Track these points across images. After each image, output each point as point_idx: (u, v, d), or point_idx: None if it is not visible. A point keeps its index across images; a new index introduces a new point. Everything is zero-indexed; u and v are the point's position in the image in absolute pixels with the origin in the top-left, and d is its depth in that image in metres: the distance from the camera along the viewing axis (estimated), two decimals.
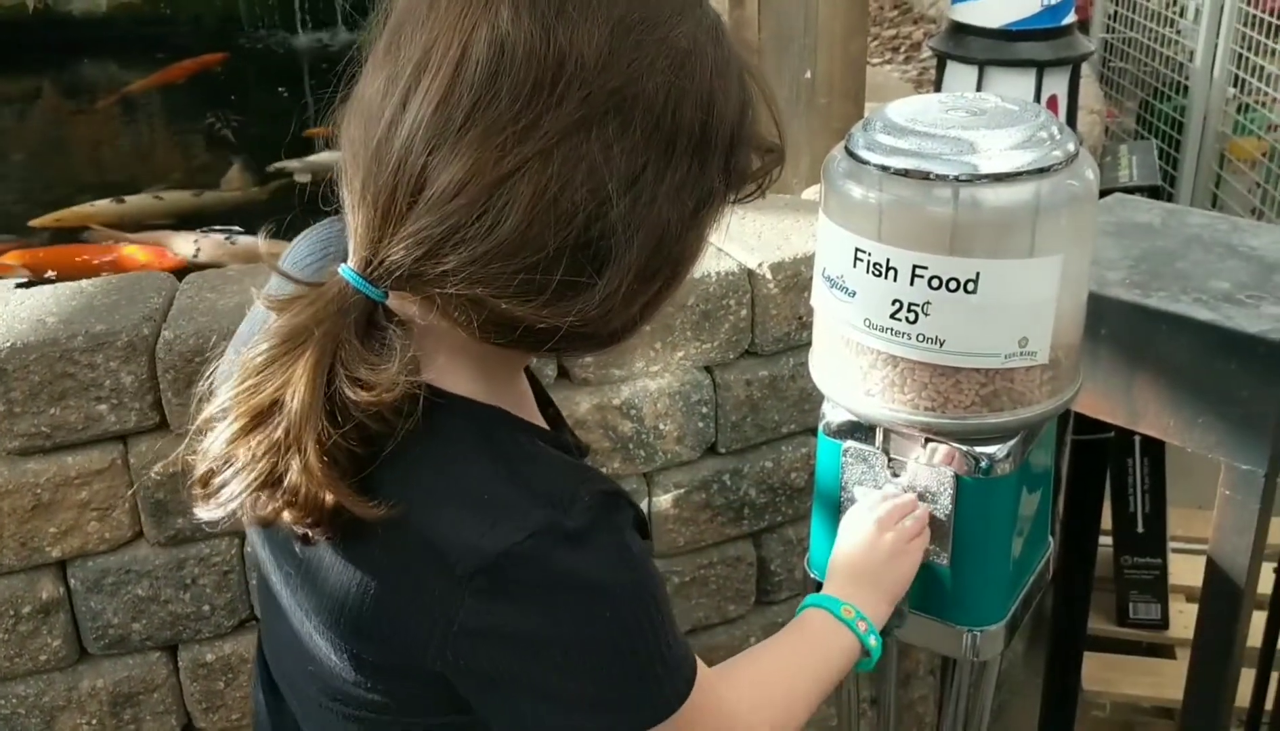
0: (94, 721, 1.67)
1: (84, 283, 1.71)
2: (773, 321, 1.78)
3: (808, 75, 2.17)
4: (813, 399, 1.82)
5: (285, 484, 0.75)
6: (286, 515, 0.77)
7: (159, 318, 1.59)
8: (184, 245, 3.20)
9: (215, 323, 1.57)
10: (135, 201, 3.54)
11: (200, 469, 0.80)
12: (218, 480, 0.78)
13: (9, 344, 1.51)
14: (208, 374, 0.85)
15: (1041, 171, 1.16)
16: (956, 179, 1.16)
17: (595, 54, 0.74)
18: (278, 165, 3.65)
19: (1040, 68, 2.07)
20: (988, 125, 1.20)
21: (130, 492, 1.60)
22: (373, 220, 0.76)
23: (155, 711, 1.69)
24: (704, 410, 1.79)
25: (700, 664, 0.87)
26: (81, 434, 1.56)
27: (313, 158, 3.53)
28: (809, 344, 1.80)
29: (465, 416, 0.82)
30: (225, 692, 1.71)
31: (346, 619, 0.82)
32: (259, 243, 3.35)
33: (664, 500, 1.79)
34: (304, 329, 0.76)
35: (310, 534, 0.78)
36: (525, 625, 0.77)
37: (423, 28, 0.75)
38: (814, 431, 1.87)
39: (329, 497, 0.75)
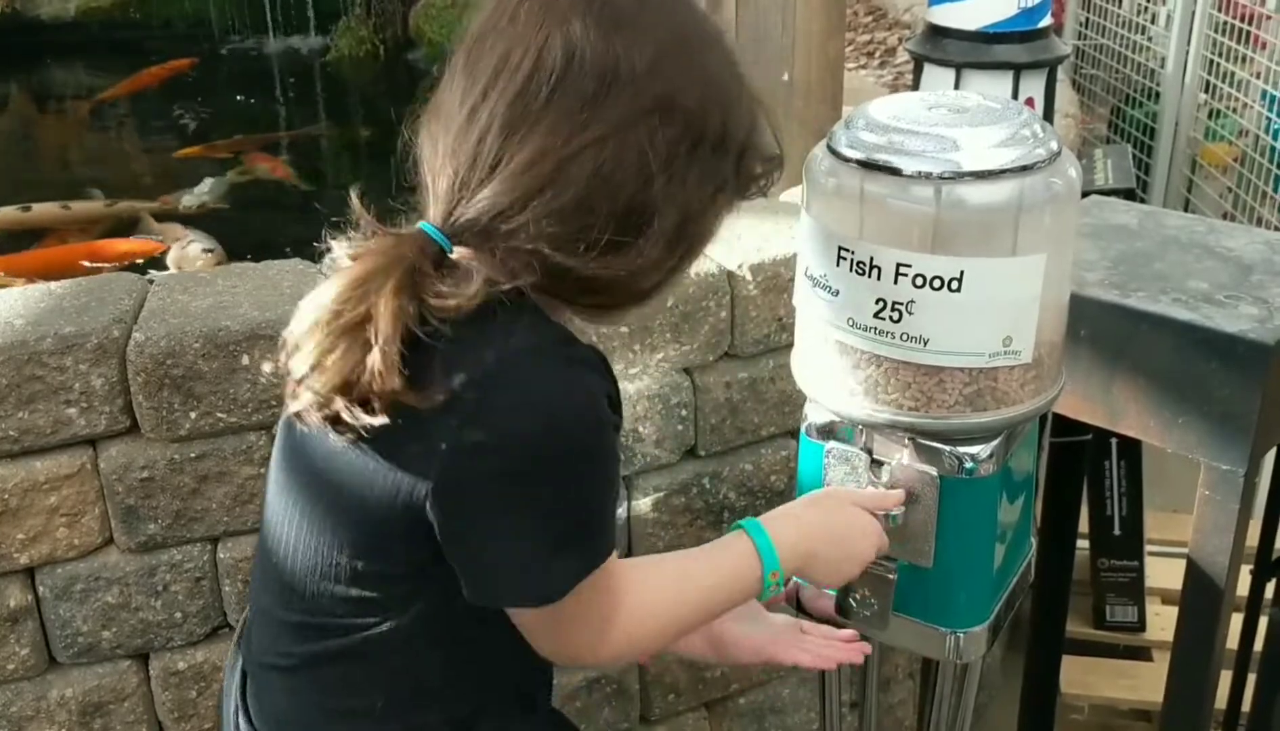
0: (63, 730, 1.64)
1: (53, 284, 1.68)
2: (752, 323, 1.77)
3: (785, 77, 2.17)
4: (793, 401, 1.81)
5: (360, 382, 0.92)
6: (349, 411, 0.93)
7: (129, 319, 1.56)
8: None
9: (188, 324, 1.54)
10: (41, 209, 3.52)
11: (294, 377, 0.97)
12: (304, 385, 0.95)
13: None
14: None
15: (1024, 169, 1.16)
16: (939, 177, 1.15)
17: (645, 65, 0.95)
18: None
19: (1017, 70, 2.08)
20: (970, 123, 1.20)
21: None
22: (453, 186, 0.95)
23: (126, 721, 1.66)
24: (683, 412, 1.77)
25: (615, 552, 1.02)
26: (50, 438, 1.53)
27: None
28: (789, 346, 1.79)
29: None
30: (197, 701, 1.68)
31: (360, 492, 0.98)
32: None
33: (643, 503, 1.78)
34: (384, 266, 0.93)
35: (365, 428, 0.93)
36: (498, 434, 0.92)
37: (502, 38, 0.96)
38: (794, 434, 1.86)
39: (395, 387, 0.91)
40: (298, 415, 1.00)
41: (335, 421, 0.96)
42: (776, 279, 1.76)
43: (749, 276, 1.75)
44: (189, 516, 1.60)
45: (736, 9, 2.08)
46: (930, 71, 2.15)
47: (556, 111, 0.93)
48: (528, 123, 0.93)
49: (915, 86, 2.22)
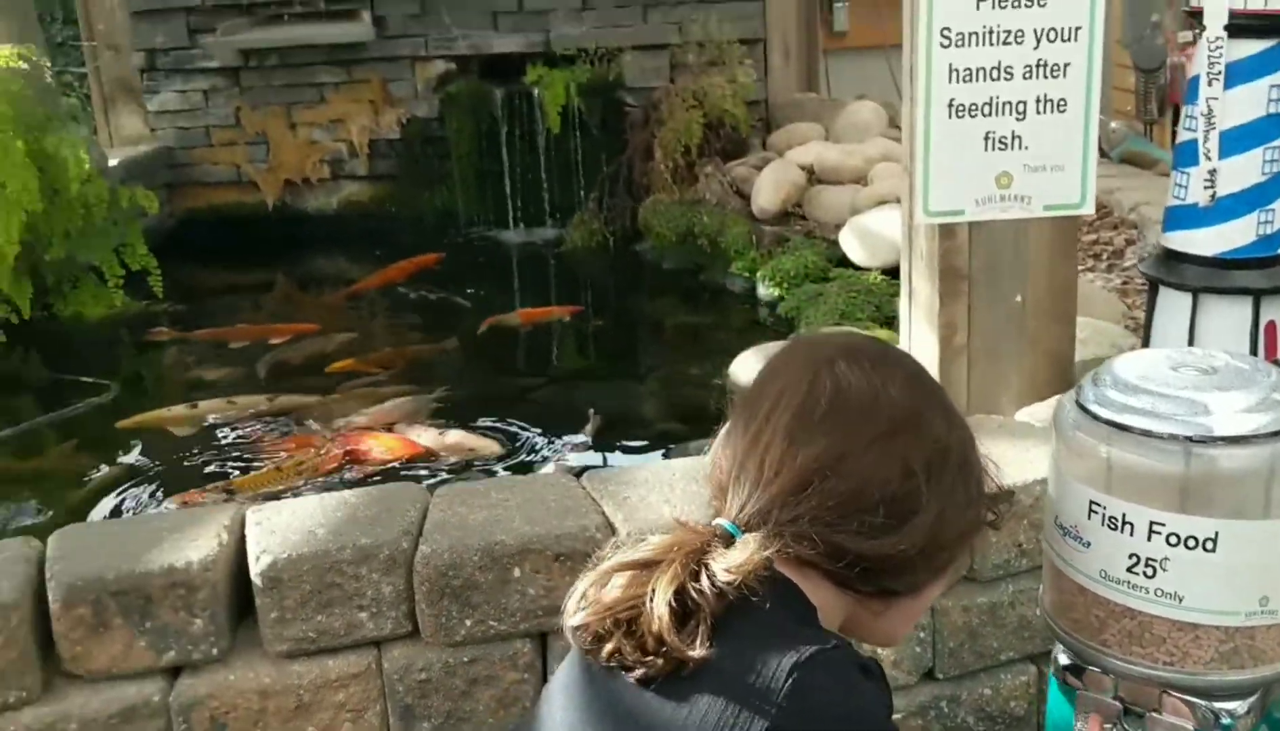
0: None
1: (347, 494, 1.88)
2: (992, 549, 1.81)
3: (1018, 299, 2.24)
4: (1033, 627, 1.83)
5: (637, 628, 1.04)
6: (628, 650, 1.05)
7: (415, 531, 1.73)
8: (413, 437, 3.45)
9: (466, 537, 1.70)
10: (207, 405, 3.84)
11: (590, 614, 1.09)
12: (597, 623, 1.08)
13: (285, 554, 1.67)
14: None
15: (1276, 435, 1.19)
16: (1189, 439, 1.20)
17: (898, 392, 1.13)
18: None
19: (1257, 296, 2.08)
20: (1219, 386, 1.25)
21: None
22: (744, 491, 1.11)
23: None
24: (921, 635, 1.81)
25: None
26: (343, 639, 1.70)
27: None
28: (1028, 571, 1.83)
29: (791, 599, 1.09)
30: None
31: None
32: (464, 435, 3.58)
33: None
34: (675, 544, 1.09)
35: (646, 671, 1.04)
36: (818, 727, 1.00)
37: (777, 379, 1.16)
38: (1034, 659, 1.88)
39: (668, 640, 1.02)
40: (591, 654, 1.10)
41: (617, 656, 1.06)
42: (1016, 505, 1.80)
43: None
44: (458, 716, 1.73)
45: (970, 235, 2.18)
46: (1166, 295, 2.18)
47: (829, 425, 1.10)
48: (806, 434, 1.10)
49: (1149, 308, 2.25)
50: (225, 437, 3.65)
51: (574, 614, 1.10)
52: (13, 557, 1.71)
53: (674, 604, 1.04)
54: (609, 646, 1.06)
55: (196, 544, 1.70)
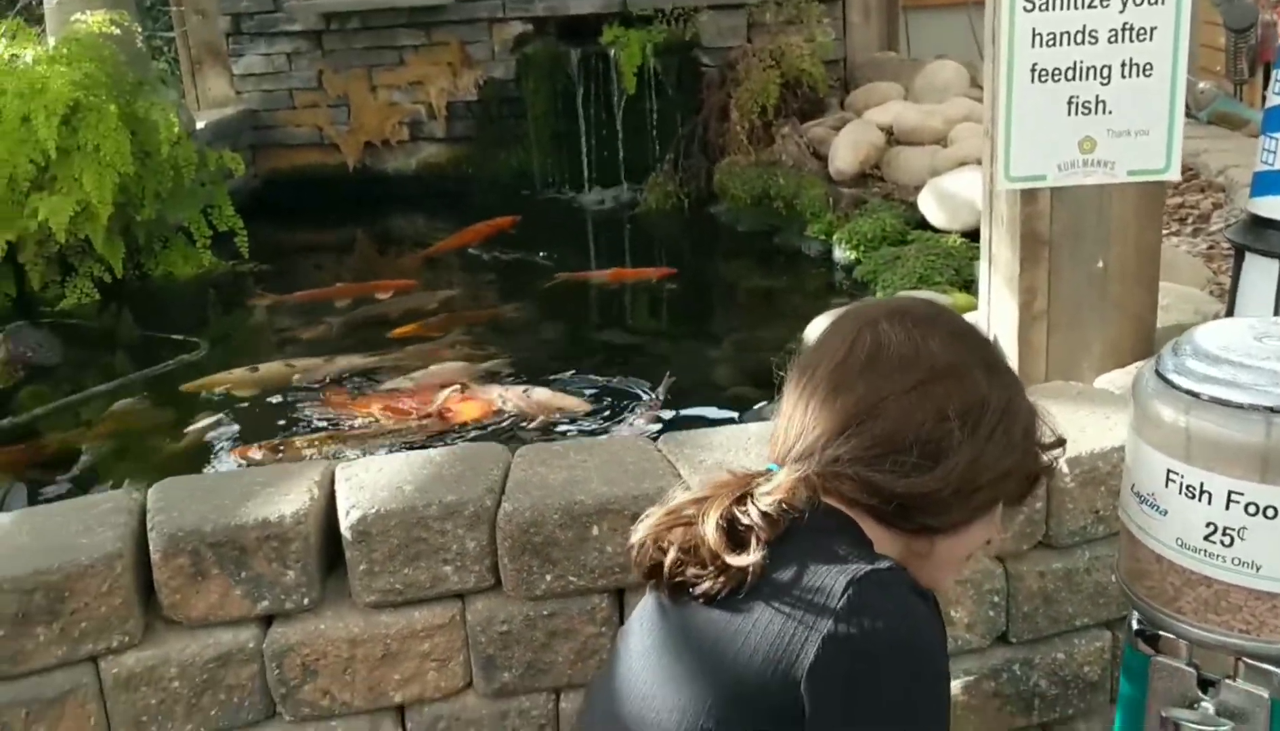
0: None
1: (432, 452, 1.93)
2: (1069, 515, 1.81)
3: (1100, 264, 2.22)
4: (1109, 593, 1.84)
5: (693, 547, 1.16)
6: (688, 564, 1.16)
7: (498, 489, 1.78)
8: (491, 397, 3.51)
9: (547, 497, 1.75)
10: (268, 368, 3.92)
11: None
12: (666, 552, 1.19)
13: (374, 509, 1.73)
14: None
15: None
16: (1270, 410, 1.20)
17: (938, 346, 1.20)
18: None
19: None
20: None
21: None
22: (790, 438, 1.21)
23: None
24: (995, 599, 1.83)
25: None
26: (428, 591, 1.75)
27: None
28: (1105, 537, 1.83)
29: (846, 530, 1.18)
30: None
31: (719, 660, 1.12)
32: (551, 394, 3.63)
33: (954, 686, 1.83)
34: (724, 482, 1.22)
35: (709, 587, 1.14)
36: (874, 638, 1.06)
37: (825, 340, 1.24)
38: (1109, 625, 1.88)
39: (721, 555, 1.13)
40: (654, 576, 1.21)
41: (678, 570, 1.17)
42: (1094, 472, 1.80)
43: (1065, 469, 1.80)
44: (538, 667, 1.79)
45: (1052, 200, 2.16)
46: (1252, 261, 2.15)
47: (868, 375, 1.18)
48: (847, 384, 1.19)
49: (1235, 275, 2.22)
50: (282, 400, 3.74)
51: (636, 532, 1.23)
52: (116, 508, 1.79)
53: (723, 526, 1.15)
54: (669, 558, 1.18)
55: (289, 498, 1.76)
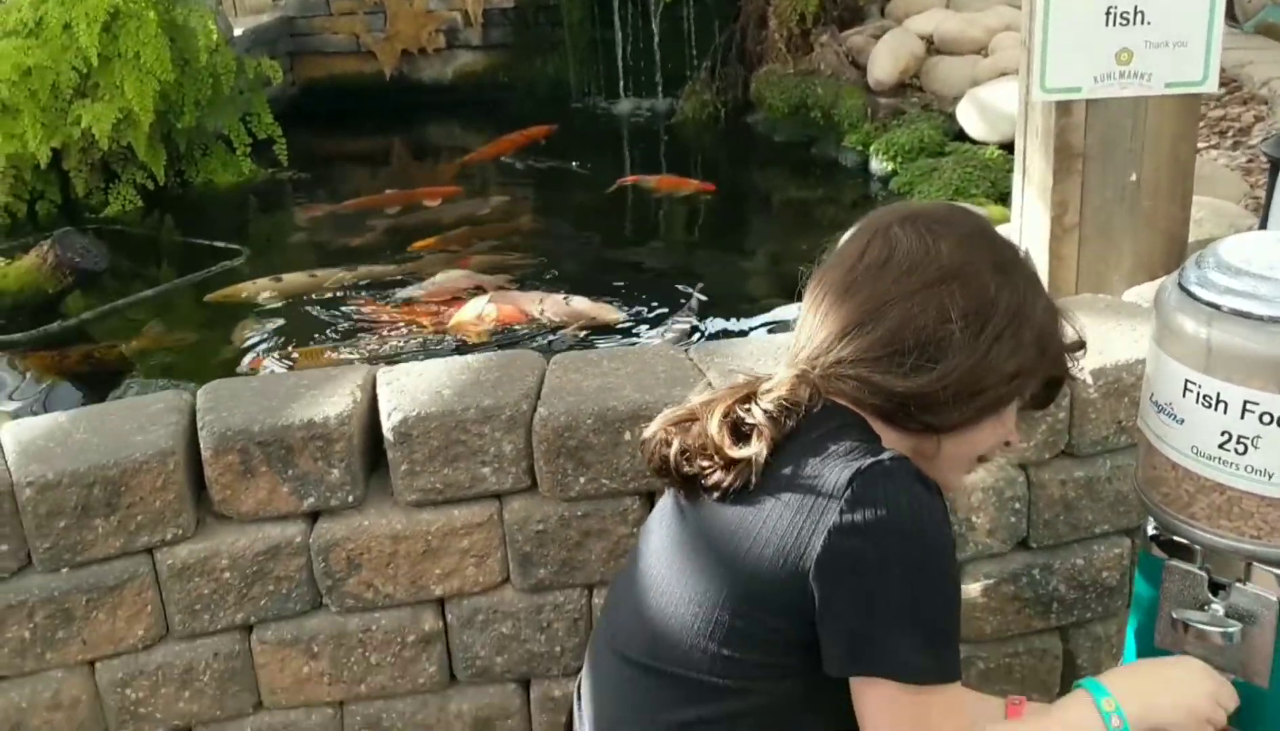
0: None
1: (470, 358, 1.99)
2: (1091, 425, 1.85)
3: (1133, 177, 2.22)
4: (1128, 501, 1.88)
5: (700, 441, 1.23)
6: (695, 455, 1.23)
7: (534, 395, 1.84)
8: (530, 305, 3.56)
9: (581, 403, 1.80)
10: (291, 278, 3.98)
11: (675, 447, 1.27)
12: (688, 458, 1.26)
13: (415, 412, 1.79)
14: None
15: None
16: None
17: (948, 249, 1.23)
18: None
19: None
20: None
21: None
22: (799, 342, 1.27)
23: None
24: (1016, 506, 1.87)
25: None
26: (467, 491, 1.82)
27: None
28: (1127, 447, 1.87)
29: (853, 426, 1.22)
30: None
31: (732, 554, 1.19)
32: (587, 303, 3.68)
33: (973, 588, 1.89)
34: (731, 385, 1.29)
35: (719, 480, 1.20)
36: (878, 526, 1.11)
37: (841, 248, 1.29)
38: (1129, 533, 1.93)
39: (725, 449, 1.20)
40: (672, 484, 1.28)
41: (696, 482, 1.24)
42: (1118, 383, 1.83)
43: (1089, 379, 1.83)
44: (572, 565, 1.86)
45: (1087, 112, 2.16)
46: None
47: (874, 278, 1.22)
48: (854, 288, 1.23)
49: (1269, 189, 2.22)
50: (308, 309, 3.81)
51: (648, 429, 1.30)
52: (168, 408, 1.86)
53: (727, 423, 1.22)
54: (675, 448, 1.25)
55: (333, 400, 1.83)
